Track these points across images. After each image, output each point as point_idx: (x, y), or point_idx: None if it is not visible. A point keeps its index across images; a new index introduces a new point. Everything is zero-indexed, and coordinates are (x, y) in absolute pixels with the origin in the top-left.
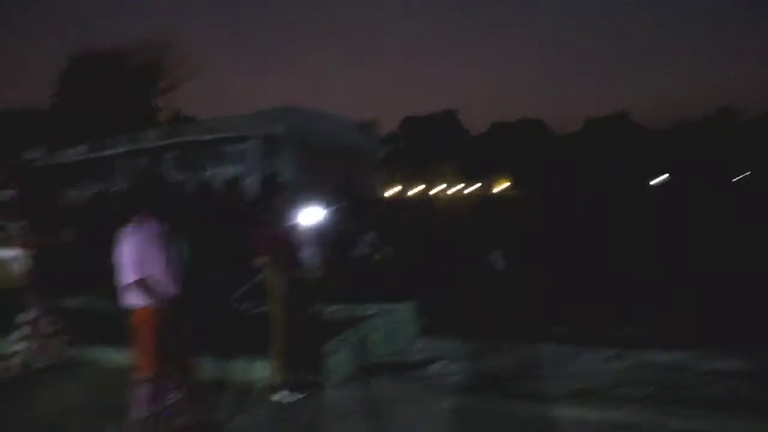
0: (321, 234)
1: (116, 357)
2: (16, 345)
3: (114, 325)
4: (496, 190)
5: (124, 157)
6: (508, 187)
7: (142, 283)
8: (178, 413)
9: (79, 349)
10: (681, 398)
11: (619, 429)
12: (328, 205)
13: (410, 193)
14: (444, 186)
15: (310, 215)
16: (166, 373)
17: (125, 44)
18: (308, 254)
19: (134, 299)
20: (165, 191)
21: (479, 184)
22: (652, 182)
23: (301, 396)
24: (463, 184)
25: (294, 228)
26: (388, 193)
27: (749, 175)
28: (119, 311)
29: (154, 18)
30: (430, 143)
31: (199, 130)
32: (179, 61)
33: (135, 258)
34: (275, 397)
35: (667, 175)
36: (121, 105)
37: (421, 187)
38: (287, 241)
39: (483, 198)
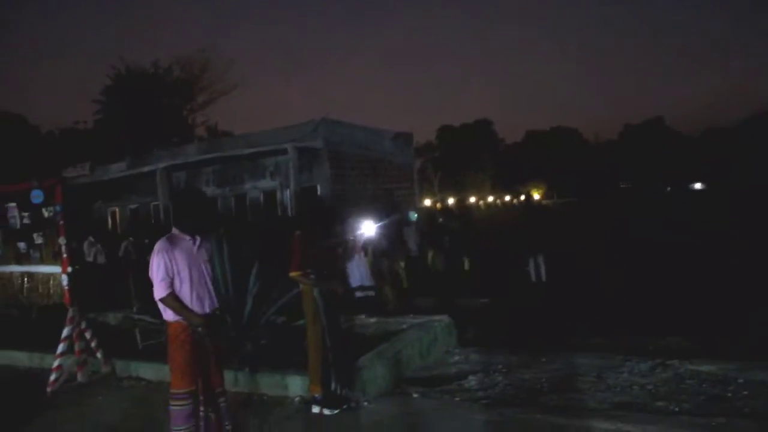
0: (366, 245)
1: (155, 372)
2: (59, 360)
3: (151, 339)
4: (534, 198)
5: (164, 172)
6: (542, 194)
7: (169, 299)
8: (215, 427)
9: (118, 363)
10: (723, 411)
11: None
12: (369, 217)
13: (448, 202)
14: (481, 194)
15: (354, 227)
16: (197, 389)
17: (165, 60)
18: (351, 266)
19: (165, 314)
20: (200, 206)
21: (516, 193)
22: (691, 187)
23: (337, 410)
24: (500, 193)
25: (331, 240)
26: (425, 202)
27: None
28: (159, 326)
29: (193, 33)
30: (465, 152)
31: (237, 144)
32: (218, 76)
33: (163, 273)
34: (312, 411)
35: (702, 183)
36: (160, 120)
37: (458, 196)
38: (324, 254)
39: (522, 206)
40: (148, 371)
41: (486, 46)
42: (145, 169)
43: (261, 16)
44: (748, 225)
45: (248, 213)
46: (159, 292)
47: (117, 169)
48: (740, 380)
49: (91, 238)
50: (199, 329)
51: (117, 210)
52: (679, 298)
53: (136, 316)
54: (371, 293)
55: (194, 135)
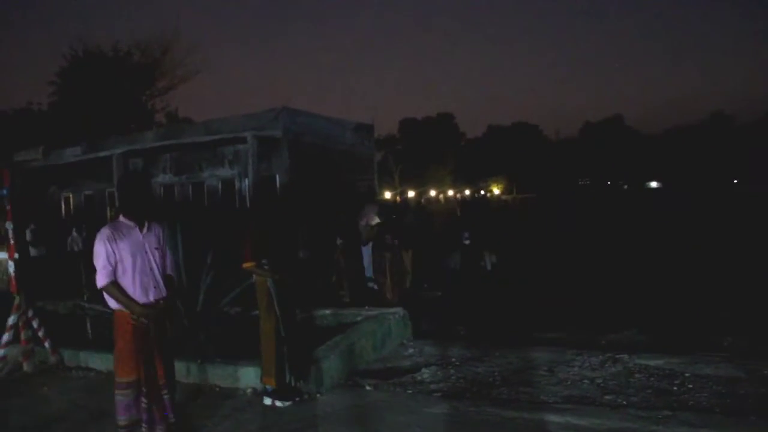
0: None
1: (105, 362)
2: (4, 350)
3: (102, 329)
4: (492, 192)
5: (121, 158)
6: (502, 190)
7: (110, 287)
8: (153, 423)
9: (67, 353)
10: (670, 404)
11: None
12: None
13: (408, 195)
14: (441, 188)
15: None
16: (141, 379)
17: (124, 43)
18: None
19: (109, 302)
20: (145, 192)
21: (477, 187)
22: (647, 186)
23: (289, 402)
24: (460, 187)
25: (285, 230)
26: (386, 195)
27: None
28: (110, 315)
29: (154, 16)
30: (427, 146)
31: (196, 131)
32: (178, 61)
33: (104, 261)
34: (264, 403)
35: (658, 182)
36: (118, 105)
37: (419, 189)
38: (277, 243)
39: (478, 200)
40: (97, 361)
41: (450, 41)
42: (101, 154)
43: (225, 1)
44: (701, 222)
45: (206, 201)
46: (100, 280)
47: (72, 154)
48: (687, 374)
49: (81, 227)
50: (142, 319)
51: (71, 196)
52: (634, 292)
53: (86, 305)
54: (374, 286)
55: (153, 121)
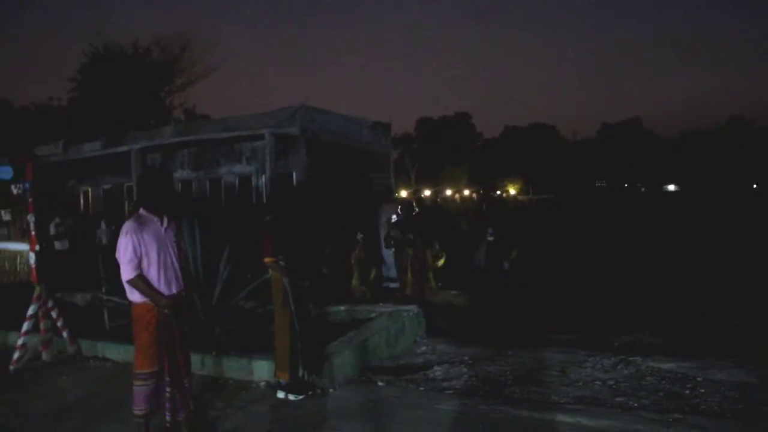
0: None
1: (122, 353)
2: (24, 338)
3: (120, 320)
4: (508, 193)
5: (140, 153)
6: (518, 190)
7: (137, 280)
8: (175, 410)
9: (84, 343)
10: (682, 408)
11: None
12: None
13: (424, 194)
14: (457, 188)
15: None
16: (161, 370)
17: (143, 40)
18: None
19: (132, 295)
20: (167, 187)
21: (493, 188)
22: (665, 189)
23: (302, 396)
24: (476, 187)
25: (302, 228)
26: (402, 193)
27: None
28: (128, 307)
29: (175, 13)
30: (444, 145)
31: (214, 128)
32: (196, 59)
33: (131, 254)
34: (278, 396)
35: (676, 185)
36: (137, 101)
37: (434, 189)
38: (293, 241)
39: (495, 200)
40: (114, 352)
41: (468, 41)
42: (120, 149)
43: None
44: (714, 226)
45: (223, 197)
46: (127, 273)
47: (91, 149)
48: (699, 378)
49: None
50: (166, 311)
51: (90, 190)
52: (649, 295)
53: (105, 297)
54: (394, 285)
55: (171, 117)
